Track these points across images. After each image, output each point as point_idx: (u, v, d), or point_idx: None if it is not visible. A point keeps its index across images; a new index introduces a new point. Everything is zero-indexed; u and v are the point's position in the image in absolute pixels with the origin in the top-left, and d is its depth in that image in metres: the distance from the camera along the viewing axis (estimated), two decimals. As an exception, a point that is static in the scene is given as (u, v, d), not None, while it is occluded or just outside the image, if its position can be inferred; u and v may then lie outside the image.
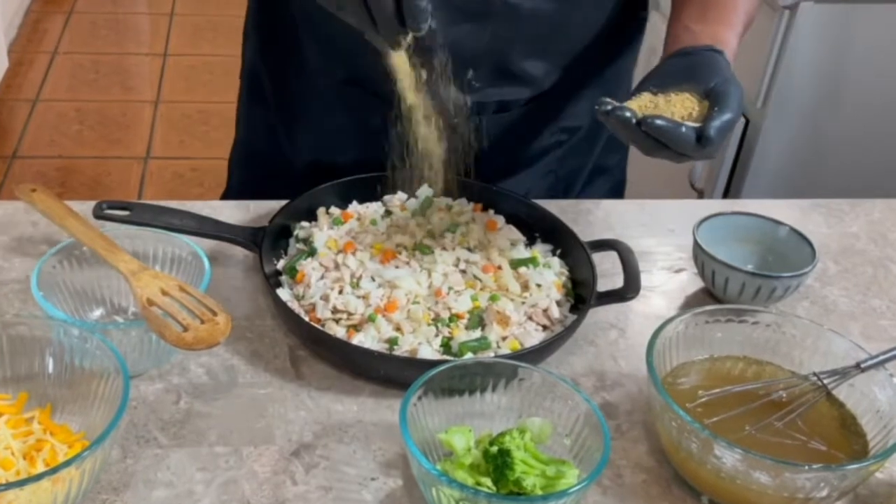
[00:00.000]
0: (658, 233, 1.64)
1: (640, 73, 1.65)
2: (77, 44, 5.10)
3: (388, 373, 1.27)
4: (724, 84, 1.28)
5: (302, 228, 1.47)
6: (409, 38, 1.22)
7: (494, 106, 1.61)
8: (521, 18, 1.50)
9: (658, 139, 1.22)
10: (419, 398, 1.13)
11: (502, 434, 1.11)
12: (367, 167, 1.53)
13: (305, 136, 1.69)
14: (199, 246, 1.33)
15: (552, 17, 1.53)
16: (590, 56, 1.61)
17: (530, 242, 1.50)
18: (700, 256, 1.46)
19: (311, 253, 1.41)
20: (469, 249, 1.42)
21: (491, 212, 1.52)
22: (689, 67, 1.33)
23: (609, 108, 1.23)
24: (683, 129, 1.22)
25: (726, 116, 1.24)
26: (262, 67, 1.72)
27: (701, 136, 1.22)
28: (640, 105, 1.28)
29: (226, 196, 1.87)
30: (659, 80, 1.33)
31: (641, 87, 1.32)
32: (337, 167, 1.56)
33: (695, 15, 1.44)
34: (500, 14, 1.49)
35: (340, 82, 1.61)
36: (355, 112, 1.63)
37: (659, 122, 1.21)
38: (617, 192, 1.88)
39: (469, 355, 1.27)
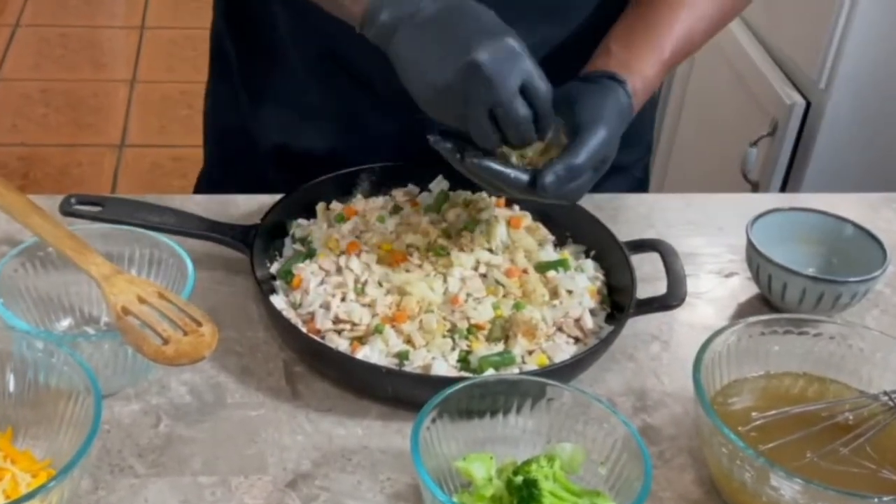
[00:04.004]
0: (706, 231, 1.64)
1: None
2: (42, 15, 5.11)
3: (398, 392, 1.27)
4: (588, 124, 1.31)
5: (299, 226, 1.47)
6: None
7: None
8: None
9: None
10: (433, 421, 1.13)
11: (528, 462, 1.11)
12: (343, 157, 1.53)
13: (272, 116, 1.67)
14: (182, 246, 1.33)
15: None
16: (595, 33, 1.60)
17: (560, 242, 1.50)
18: (754, 258, 1.46)
19: (310, 254, 1.41)
20: (490, 251, 1.42)
21: (515, 207, 1.52)
22: (575, 97, 1.35)
23: (436, 137, 1.29)
24: (512, 174, 1.28)
25: (570, 162, 1.28)
26: (227, 33, 1.71)
27: (534, 182, 1.27)
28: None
29: (200, 178, 1.88)
30: None
31: None
32: (307, 154, 1.55)
33: (620, 35, 1.47)
34: None
35: (314, 57, 1.60)
36: (330, 93, 1.62)
37: (485, 163, 1.28)
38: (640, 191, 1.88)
39: (490, 372, 1.27)
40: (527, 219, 1.49)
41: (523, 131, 1.26)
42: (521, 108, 1.24)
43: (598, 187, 1.75)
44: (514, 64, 1.24)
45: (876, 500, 1.09)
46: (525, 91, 1.25)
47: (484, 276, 1.39)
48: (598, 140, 1.30)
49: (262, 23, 1.62)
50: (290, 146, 1.67)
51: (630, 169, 1.82)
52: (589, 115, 1.32)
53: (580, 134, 1.30)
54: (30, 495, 1.00)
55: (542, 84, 1.26)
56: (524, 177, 1.28)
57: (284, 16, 1.59)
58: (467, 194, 1.52)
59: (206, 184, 1.83)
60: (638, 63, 1.42)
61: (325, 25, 1.42)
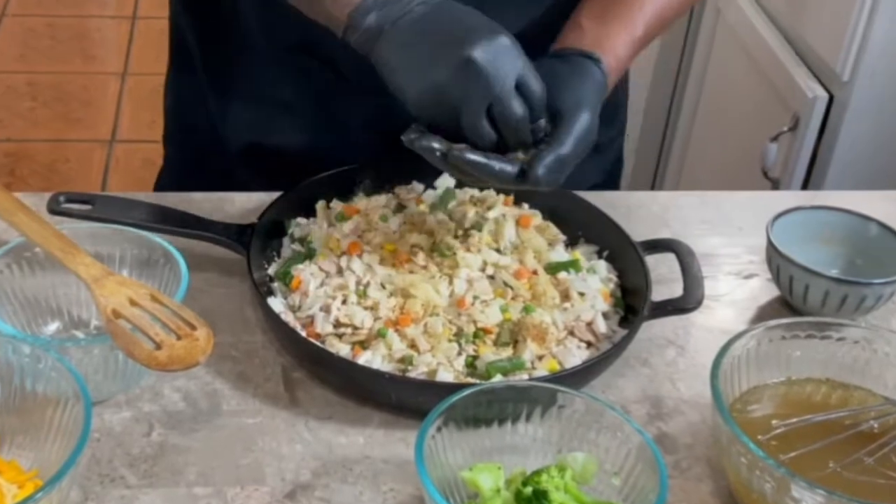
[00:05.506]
0: (724, 231, 1.64)
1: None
2: (29, 4, 5.12)
3: (402, 399, 1.27)
4: (572, 110, 1.32)
5: (298, 226, 1.47)
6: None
7: None
8: None
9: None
10: (438, 429, 1.13)
11: (538, 472, 1.11)
12: (319, 154, 1.53)
13: (241, 111, 1.67)
14: (175, 246, 1.33)
15: None
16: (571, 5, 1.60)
17: (572, 242, 1.50)
18: (775, 259, 1.46)
19: (309, 255, 1.41)
20: (498, 251, 1.42)
21: (525, 206, 1.52)
22: (551, 78, 1.36)
23: (414, 136, 1.30)
24: (497, 166, 1.28)
25: (560, 152, 1.29)
26: (189, 25, 1.70)
27: (526, 174, 1.29)
28: None
29: (160, 181, 1.88)
30: None
31: None
32: (281, 152, 1.56)
33: (593, 10, 1.48)
34: None
35: (284, 48, 1.60)
36: (303, 84, 1.62)
37: (469, 155, 1.28)
38: (613, 174, 1.89)
39: (498, 378, 1.27)
40: (537, 218, 1.49)
41: (520, 130, 1.28)
42: (518, 107, 1.27)
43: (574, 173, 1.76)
44: (509, 61, 1.26)
45: (902, 512, 1.09)
46: (520, 89, 1.27)
47: (492, 277, 1.39)
48: (582, 126, 1.31)
49: (228, 14, 1.62)
50: (263, 144, 1.66)
51: (605, 149, 1.82)
52: (570, 100, 1.33)
53: (565, 121, 1.31)
54: (16, 507, 1.00)
55: (536, 83, 1.28)
56: (510, 168, 1.29)
57: (253, 5, 1.59)
58: (474, 192, 1.52)
59: (168, 188, 1.82)
60: (611, 41, 1.44)
61: (299, 14, 1.42)
